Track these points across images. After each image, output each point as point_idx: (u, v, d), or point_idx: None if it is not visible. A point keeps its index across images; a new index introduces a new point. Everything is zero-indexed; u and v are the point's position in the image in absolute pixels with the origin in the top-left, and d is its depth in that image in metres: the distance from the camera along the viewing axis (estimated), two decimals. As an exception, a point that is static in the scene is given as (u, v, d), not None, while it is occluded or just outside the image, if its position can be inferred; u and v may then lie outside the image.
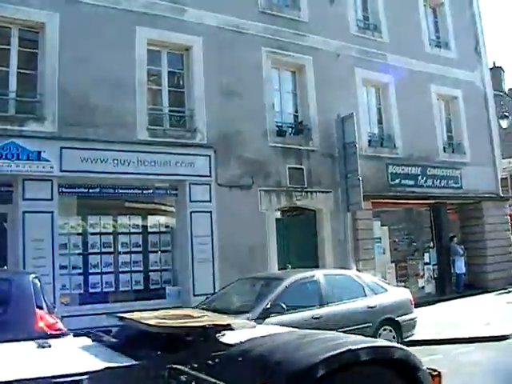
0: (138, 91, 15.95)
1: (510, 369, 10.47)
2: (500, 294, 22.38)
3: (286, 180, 18.32)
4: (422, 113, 22.75)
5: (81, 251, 15.31)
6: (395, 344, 4.91)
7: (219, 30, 17.66)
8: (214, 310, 11.21)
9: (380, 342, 5.08)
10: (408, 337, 12.80)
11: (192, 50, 17.18)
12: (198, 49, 17.19)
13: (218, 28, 17.65)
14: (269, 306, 10.63)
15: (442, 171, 23.20)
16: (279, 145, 18.43)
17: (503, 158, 27.78)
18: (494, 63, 40.40)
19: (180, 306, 14.88)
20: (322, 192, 19.13)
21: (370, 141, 21.28)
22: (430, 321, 15.74)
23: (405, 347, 4.75)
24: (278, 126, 18.84)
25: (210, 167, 16.73)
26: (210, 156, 16.75)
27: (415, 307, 13.60)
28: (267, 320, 10.43)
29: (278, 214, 18.34)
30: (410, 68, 22.65)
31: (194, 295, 15.44)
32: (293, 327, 10.53)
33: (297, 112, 19.68)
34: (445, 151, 23.86)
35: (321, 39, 20.07)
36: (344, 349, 4.32)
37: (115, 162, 15.22)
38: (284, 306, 10.63)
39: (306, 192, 18.78)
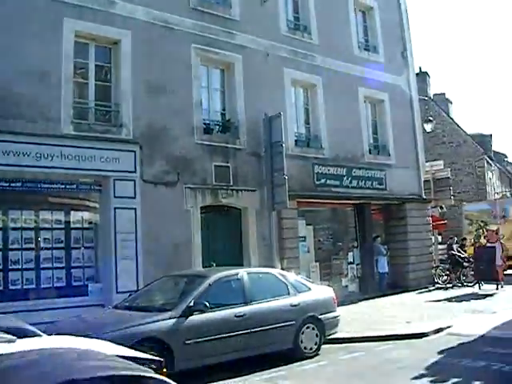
0: (64, 84, 15.55)
1: (423, 365, 10.74)
2: (421, 292, 22.99)
3: (212, 178, 18.28)
4: (349, 114, 23.07)
5: (1, 247, 14.84)
6: (157, 376, 4.44)
7: (149, 25, 17.44)
8: (137, 308, 11.15)
9: (140, 371, 4.40)
10: (331, 334, 12.96)
11: (120, 44, 16.89)
12: (126, 43, 16.92)
13: (147, 23, 17.42)
14: (192, 303, 10.59)
15: (367, 172, 23.57)
16: (206, 142, 18.36)
17: (426, 161, 28.40)
18: (420, 68, 41.47)
19: (102, 304, 14.74)
20: (248, 190, 19.17)
21: (296, 141, 21.43)
22: (353, 319, 15.99)
23: (167, 380, 4.37)
24: (205, 124, 18.76)
25: (135, 163, 16.51)
26: (135, 152, 16.53)
27: (339, 306, 13.77)
28: (190, 318, 10.43)
29: (204, 212, 18.25)
30: (339, 70, 22.93)
31: (117, 292, 15.21)
32: (216, 325, 10.67)
33: (224, 110, 19.65)
34: (370, 153, 24.26)
35: (251, 38, 20.11)
36: (84, 376, 3.81)
37: (38, 155, 14.81)
38: (207, 304, 10.61)
39: (232, 190, 18.79)
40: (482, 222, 33.63)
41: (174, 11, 18.09)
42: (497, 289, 22.51)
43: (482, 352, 11.71)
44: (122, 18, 16.84)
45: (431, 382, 9.63)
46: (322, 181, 21.57)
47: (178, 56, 18.01)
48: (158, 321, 10.14)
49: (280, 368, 11.05)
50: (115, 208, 16.01)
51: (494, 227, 27.37)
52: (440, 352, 12.07)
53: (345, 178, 22.54)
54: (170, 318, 10.26)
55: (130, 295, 12.77)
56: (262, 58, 20.37)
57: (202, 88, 18.92)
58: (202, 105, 18.77)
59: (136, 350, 7.24)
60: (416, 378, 9.89)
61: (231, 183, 18.74)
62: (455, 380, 9.70)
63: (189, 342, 10.20)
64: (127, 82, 16.77)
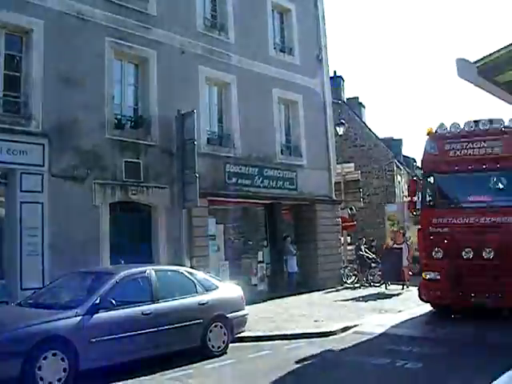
0: (-30, 73, 15.07)
1: (328, 363, 10.93)
2: (329, 292, 23.38)
3: (122, 174, 18.03)
4: (262, 114, 23.23)
5: None
6: None
7: (62, 15, 17.01)
8: (41, 305, 10.87)
9: None
10: (239, 333, 13.00)
11: (32, 34, 16.36)
12: (38, 33, 16.41)
13: (61, 13, 16.98)
14: (98, 301, 10.40)
15: (279, 173, 23.79)
16: (117, 137, 18.09)
17: (338, 163, 28.89)
18: (335, 72, 42.11)
19: (5, 301, 14.33)
20: (159, 188, 19.01)
21: (209, 139, 21.41)
22: (262, 318, 16.13)
23: None
24: (116, 119, 18.49)
25: (44, 157, 16.09)
26: (44, 145, 16.09)
27: (248, 304, 13.83)
28: (96, 316, 10.24)
29: (113, 208, 17.99)
30: (254, 70, 23.05)
31: (22, 289, 14.80)
32: (122, 323, 10.53)
33: (137, 105, 19.42)
34: (282, 153, 24.48)
35: (167, 34, 19.94)
36: None
37: None
38: (113, 301, 10.46)
39: (142, 187, 18.59)
40: (397, 223, 34.67)
41: (88, 2, 17.71)
42: (402, 289, 23.21)
43: (387, 349, 12.21)
44: (35, 6, 16.33)
45: (336, 379, 9.81)
46: (234, 180, 21.61)
47: (92, 49, 17.65)
48: (62, 319, 9.89)
49: (186, 367, 11.02)
50: (21, 202, 15.55)
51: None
52: (346, 350, 12.44)
53: (256, 178, 22.67)
54: (75, 316, 10.03)
55: (34, 292, 12.46)
56: (178, 55, 20.24)
57: (115, 82, 18.63)
58: (115, 99, 18.49)
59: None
60: (320, 375, 10.06)
61: (142, 180, 18.54)
62: (360, 377, 9.93)
63: (94, 340, 10.01)
64: (38, 73, 16.31)
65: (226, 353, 12.25)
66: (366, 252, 26.48)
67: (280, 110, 25.06)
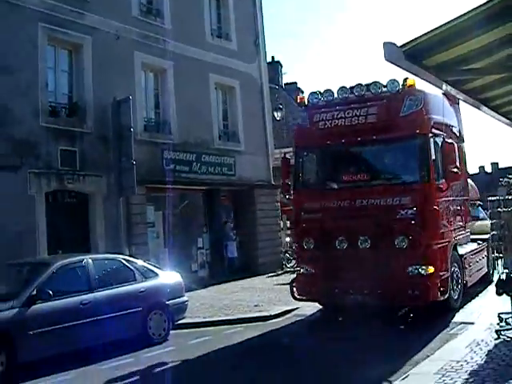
0: None
1: (272, 346, 11.22)
2: (270, 276, 23.52)
3: (58, 162, 17.76)
4: (199, 100, 23.17)
5: None
6: None
7: (-8, 0, 16.61)
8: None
9: None
10: (179, 320, 13.02)
11: (-39, 19, 15.97)
12: (-34, 17, 16.01)
13: (-9, -3, 16.58)
14: (35, 292, 10.30)
15: (217, 158, 23.82)
16: (51, 125, 17.78)
17: (276, 148, 28.97)
18: (273, 58, 42.06)
19: None
20: (95, 176, 18.79)
21: (145, 125, 21.29)
22: (203, 304, 16.20)
23: None
24: (50, 106, 18.17)
25: (-25, 146, 15.73)
26: (-26, 134, 15.74)
27: (188, 291, 13.89)
28: (34, 307, 10.13)
29: (49, 198, 17.72)
30: (190, 56, 22.93)
31: (-45, 281, 14.45)
32: (61, 314, 10.43)
33: (71, 92, 19.11)
34: (220, 139, 24.53)
35: (101, 19, 19.60)
36: None
37: None
38: (51, 292, 10.34)
39: (78, 175, 18.34)
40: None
41: (19, -13, 17.29)
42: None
43: (326, 329, 12.69)
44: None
45: (272, 361, 9.95)
46: (171, 166, 21.48)
47: (24, 34, 17.25)
48: (-2, 311, 9.76)
49: (127, 355, 10.99)
50: (-49, 193, 15.19)
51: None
52: (286, 332, 12.74)
53: (194, 164, 22.64)
54: (11, 308, 9.90)
55: (-32, 284, 12.21)
56: (113, 41, 19.95)
57: (48, 69, 18.29)
58: (48, 87, 18.16)
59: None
60: (258, 357, 10.20)
61: (78, 168, 18.29)
62: (293, 357, 10.10)
63: (32, 332, 9.91)
64: (-33, 59, 15.90)
65: (166, 340, 12.27)
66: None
67: (217, 96, 25.05)
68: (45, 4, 17.85)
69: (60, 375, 9.73)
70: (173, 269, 14.86)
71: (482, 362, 8.08)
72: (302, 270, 13.67)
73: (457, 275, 13.21)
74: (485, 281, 15.84)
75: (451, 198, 13.76)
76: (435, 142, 12.86)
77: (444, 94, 13.17)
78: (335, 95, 13.47)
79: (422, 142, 12.60)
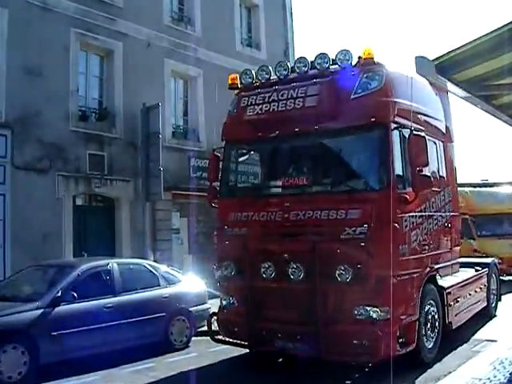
0: None
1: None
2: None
3: (86, 166, 17.95)
4: (227, 108, 23.15)
5: None
6: None
7: (27, 5, 16.88)
8: (1, 298, 10.76)
9: None
10: (201, 326, 12.99)
11: (-5, 23, 16.22)
12: (2, 22, 16.30)
13: (26, 2, 16.85)
14: (59, 294, 10.34)
15: (243, 167, 23.72)
16: (81, 130, 18.01)
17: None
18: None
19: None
20: (123, 180, 18.95)
21: (173, 132, 21.43)
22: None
23: None
24: (81, 111, 18.42)
25: (6, 148, 15.96)
26: (6, 136, 15.98)
27: (211, 298, 13.82)
28: (58, 308, 10.18)
29: (77, 201, 17.90)
30: (220, 64, 23.00)
31: (-18, 281, 14.66)
32: (84, 316, 10.50)
33: (102, 98, 19.31)
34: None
35: (133, 26, 19.83)
36: None
37: None
38: (75, 294, 10.40)
39: (106, 180, 18.52)
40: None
41: (53, -8, 17.53)
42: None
43: None
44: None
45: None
46: (198, 173, 21.55)
47: (57, 39, 17.51)
48: (23, 311, 9.82)
49: (149, 360, 11.00)
50: (-18, 193, 15.42)
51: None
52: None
53: (221, 172, 22.53)
54: (35, 309, 9.96)
55: (-5, 285, 12.36)
56: (144, 47, 20.13)
57: (79, 74, 18.51)
58: (79, 91, 18.37)
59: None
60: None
61: (106, 172, 18.47)
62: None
63: (55, 333, 9.96)
64: (1, 63, 16.20)
65: (188, 346, 12.28)
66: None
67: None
68: (78, 10, 18.11)
69: (81, 377, 9.78)
70: (196, 275, 14.87)
71: (506, 381, 7.94)
72: (224, 302, 10.41)
73: (433, 317, 9.88)
74: (482, 316, 13.20)
75: (425, 214, 9.98)
76: (401, 136, 9.21)
77: (424, 77, 10.50)
78: (272, 74, 10.14)
79: (380, 135, 9.06)
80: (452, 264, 11.62)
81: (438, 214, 10.69)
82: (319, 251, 8.73)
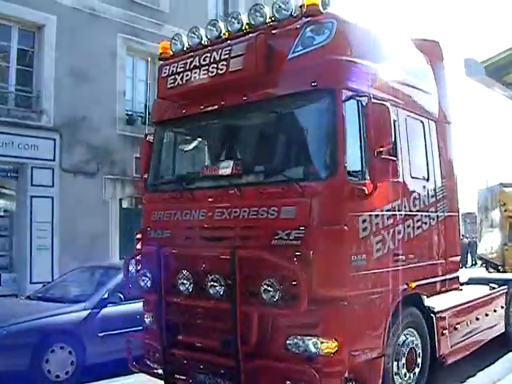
0: (-17, 67, 15.24)
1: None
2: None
3: (132, 169, 18.14)
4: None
5: None
6: None
7: (75, 11, 17.14)
8: (50, 299, 10.94)
9: None
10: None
11: (45, 29, 16.55)
12: (51, 28, 16.60)
13: (73, 9, 17.12)
14: (106, 295, 10.45)
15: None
16: (127, 133, 18.21)
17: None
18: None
19: (15, 294, 14.43)
20: (168, 184, 19.01)
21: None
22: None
23: None
24: (127, 114, 18.63)
25: (55, 151, 16.24)
26: (55, 140, 16.28)
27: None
28: (104, 309, 10.29)
29: (123, 204, 18.10)
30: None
31: (31, 283, 14.97)
32: (131, 318, 10.57)
33: (148, 101, 19.47)
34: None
35: (179, 31, 19.85)
36: None
37: (-46, 139, 14.55)
38: (122, 296, 10.50)
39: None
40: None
41: (101, -2, 17.80)
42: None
43: None
44: (48, 1, 16.45)
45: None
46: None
47: (103, 44, 17.74)
48: (70, 312, 9.96)
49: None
50: (32, 196, 15.72)
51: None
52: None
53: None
54: (83, 310, 10.09)
55: (43, 285, 12.55)
56: (188, 52, 20.18)
57: (126, 78, 18.74)
58: (126, 95, 18.60)
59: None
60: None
61: (151, 176, 18.57)
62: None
63: (102, 334, 10.06)
64: (50, 68, 16.47)
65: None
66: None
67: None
68: (124, 15, 18.35)
69: (125, 378, 9.83)
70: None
71: None
72: (146, 321, 8.32)
73: (413, 350, 7.44)
74: (499, 345, 10.52)
75: (399, 213, 7.36)
76: (359, 107, 6.61)
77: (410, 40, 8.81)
78: (203, 36, 7.89)
79: (325, 105, 6.58)
80: (448, 279, 8.81)
81: (423, 213, 8.03)
82: (240, 260, 6.40)
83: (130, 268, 7.99)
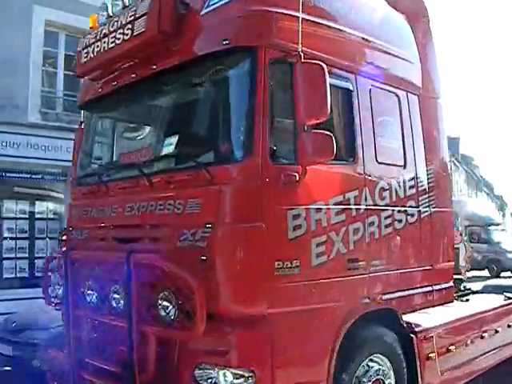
0: (33, 73, 15.49)
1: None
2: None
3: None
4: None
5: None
6: None
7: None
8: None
9: None
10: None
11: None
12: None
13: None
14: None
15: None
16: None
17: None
18: None
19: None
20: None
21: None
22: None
23: None
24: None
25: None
26: (103, 143, 16.37)
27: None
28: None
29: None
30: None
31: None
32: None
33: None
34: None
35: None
36: None
37: (3, 144, 14.87)
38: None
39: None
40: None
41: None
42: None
43: None
44: (93, 8, 16.54)
45: None
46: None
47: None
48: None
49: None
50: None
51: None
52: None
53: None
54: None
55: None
56: None
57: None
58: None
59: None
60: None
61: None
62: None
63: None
64: (96, 73, 16.55)
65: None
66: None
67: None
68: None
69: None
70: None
71: None
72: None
73: (381, 382, 5.79)
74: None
75: (355, 207, 5.79)
76: (285, 67, 5.13)
77: None
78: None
79: (241, 67, 5.23)
80: (436, 291, 7.09)
81: (397, 208, 6.39)
82: (136, 267, 5.06)
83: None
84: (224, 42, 5.05)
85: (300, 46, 4.97)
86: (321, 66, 4.96)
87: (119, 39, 5.86)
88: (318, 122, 4.95)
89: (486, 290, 9.06)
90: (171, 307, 4.82)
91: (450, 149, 46.74)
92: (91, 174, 6.95)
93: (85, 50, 6.44)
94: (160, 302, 4.89)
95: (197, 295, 4.60)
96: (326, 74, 4.95)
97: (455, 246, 18.47)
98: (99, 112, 7.23)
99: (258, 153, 4.90)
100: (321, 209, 5.34)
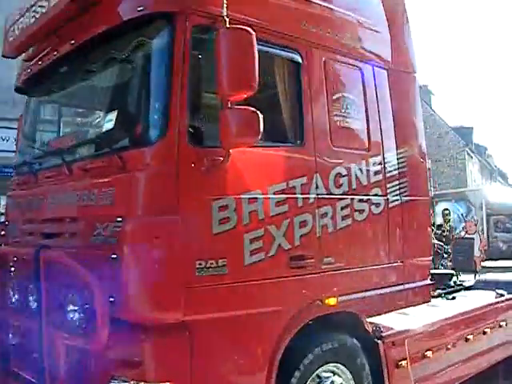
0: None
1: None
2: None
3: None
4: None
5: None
6: None
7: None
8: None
9: None
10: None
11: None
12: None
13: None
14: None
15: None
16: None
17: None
18: None
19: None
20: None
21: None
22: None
23: None
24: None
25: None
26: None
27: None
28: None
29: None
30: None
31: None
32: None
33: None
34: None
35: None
36: None
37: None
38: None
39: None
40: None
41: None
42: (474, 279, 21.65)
43: None
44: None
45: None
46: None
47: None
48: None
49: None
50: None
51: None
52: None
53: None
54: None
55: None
56: None
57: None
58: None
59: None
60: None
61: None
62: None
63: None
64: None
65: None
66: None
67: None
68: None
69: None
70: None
71: None
72: None
73: None
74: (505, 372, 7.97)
75: (302, 196, 5.00)
76: (206, 35, 4.41)
77: None
78: None
79: (158, 37, 4.55)
80: (409, 289, 6.29)
81: (357, 197, 5.59)
82: (45, 265, 4.56)
83: None
84: (139, 9, 4.41)
85: (225, 9, 4.23)
86: (248, 31, 4.18)
87: (38, 12, 5.22)
88: (245, 97, 4.16)
89: (479, 286, 8.31)
90: (76, 311, 4.32)
91: (464, 139, 47.06)
92: (25, 163, 6.18)
93: (11, 28, 5.77)
94: (68, 306, 4.37)
95: (97, 298, 4.00)
96: (254, 41, 4.18)
97: (469, 235, 17.29)
98: (32, 94, 6.50)
99: (172, 133, 4.22)
100: (256, 198, 4.59)
